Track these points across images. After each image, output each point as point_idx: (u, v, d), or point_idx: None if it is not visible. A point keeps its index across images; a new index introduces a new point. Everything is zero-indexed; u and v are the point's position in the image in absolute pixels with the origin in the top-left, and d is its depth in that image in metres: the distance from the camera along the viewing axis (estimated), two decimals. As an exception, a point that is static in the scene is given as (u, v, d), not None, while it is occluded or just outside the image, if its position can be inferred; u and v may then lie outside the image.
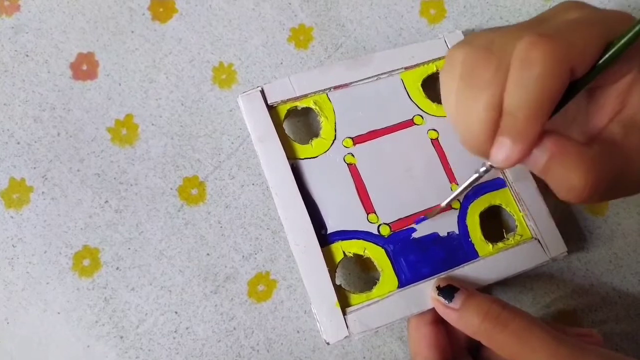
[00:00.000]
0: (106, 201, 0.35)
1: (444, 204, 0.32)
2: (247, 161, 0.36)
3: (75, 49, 0.37)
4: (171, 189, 0.35)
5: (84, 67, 0.37)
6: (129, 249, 0.34)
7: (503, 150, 0.23)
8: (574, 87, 0.23)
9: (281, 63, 0.38)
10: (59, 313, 0.33)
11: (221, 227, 0.35)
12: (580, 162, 0.23)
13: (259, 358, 0.33)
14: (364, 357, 0.33)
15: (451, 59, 0.25)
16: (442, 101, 0.26)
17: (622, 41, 0.22)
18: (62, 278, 0.34)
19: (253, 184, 0.36)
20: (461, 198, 0.34)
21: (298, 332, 0.34)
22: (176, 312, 0.33)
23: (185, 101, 0.37)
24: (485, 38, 0.25)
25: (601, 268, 0.36)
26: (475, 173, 0.28)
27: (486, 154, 0.24)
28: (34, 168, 0.35)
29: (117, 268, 0.34)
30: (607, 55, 0.23)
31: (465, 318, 0.28)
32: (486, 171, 0.27)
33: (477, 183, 0.29)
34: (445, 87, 0.26)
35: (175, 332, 0.33)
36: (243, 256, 0.34)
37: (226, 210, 0.35)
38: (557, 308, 0.35)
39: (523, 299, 0.35)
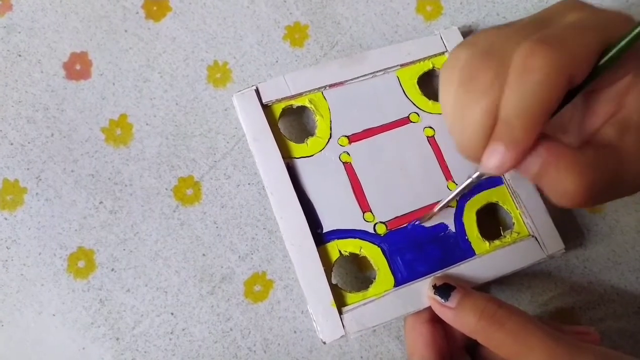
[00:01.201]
0: (101, 202, 0.34)
1: (436, 209, 0.32)
2: (242, 161, 0.36)
3: (69, 48, 0.37)
4: (166, 189, 0.35)
5: (78, 67, 0.36)
6: (124, 250, 0.34)
7: (496, 157, 0.23)
8: (571, 93, 0.23)
9: (276, 61, 0.37)
10: (54, 315, 0.33)
11: (217, 227, 0.34)
12: (574, 167, 0.22)
13: (256, 359, 0.33)
14: (362, 357, 0.33)
15: (452, 61, 0.25)
16: (440, 102, 0.26)
17: (619, 45, 0.22)
18: (57, 280, 0.33)
19: (249, 184, 0.35)
20: (458, 197, 0.33)
21: (295, 332, 0.33)
22: (172, 313, 0.33)
23: (179, 100, 0.36)
24: (487, 40, 0.24)
25: (599, 265, 0.35)
26: (468, 178, 0.28)
27: (479, 160, 0.24)
28: (28, 169, 0.35)
29: (113, 269, 0.33)
30: (604, 60, 0.22)
31: (461, 317, 0.28)
32: (479, 177, 0.27)
33: (469, 189, 0.29)
34: (444, 89, 0.26)
35: (171, 333, 0.33)
36: (239, 256, 0.34)
37: (222, 210, 0.35)
38: (555, 306, 0.35)
39: (521, 297, 0.35)
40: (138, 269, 0.34)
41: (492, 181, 0.34)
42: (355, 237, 0.32)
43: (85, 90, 0.36)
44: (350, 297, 0.31)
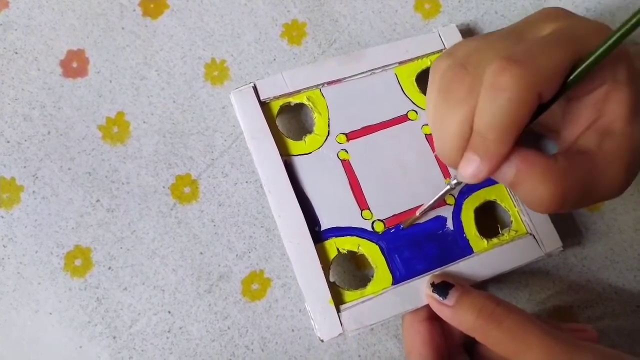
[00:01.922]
0: (97, 200, 0.34)
1: (418, 213, 0.32)
2: (240, 159, 0.35)
3: (65, 46, 0.37)
4: (163, 187, 0.35)
5: (74, 65, 0.36)
6: (121, 248, 0.34)
7: (471, 167, 0.24)
8: (542, 107, 0.24)
9: (274, 59, 0.37)
10: (50, 314, 0.33)
11: (214, 225, 0.34)
12: (547, 175, 0.23)
13: (254, 357, 0.33)
14: (359, 356, 0.33)
15: (434, 70, 0.26)
16: (426, 107, 0.27)
17: (587, 62, 0.22)
18: (54, 278, 0.33)
19: (246, 182, 0.35)
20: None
21: (293, 330, 0.33)
22: (169, 312, 0.33)
23: (177, 98, 0.36)
24: (464, 52, 0.25)
25: (597, 264, 0.35)
26: (447, 185, 0.29)
27: (457, 167, 0.25)
28: (24, 167, 0.34)
29: (110, 268, 0.33)
30: (572, 77, 0.23)
31: (459, 315, 0.28)
32: (457, 184, 0.28)
33: (447, 195, 0.30)
34: (428, 96, 0.27)
35: (168, 332, 0.33)
36: (237, 255, 0.34)
37: (219, 209, 0.35)
38: (553, 304, 0.35)
39: (519, 295, 0.35)
40: (135, 267, 0.33)
41: (490, 179, 0.34)
42: (353, 235, 0.32)
43: (82, 88, 0.36)
44: (348, 295, 0.31)
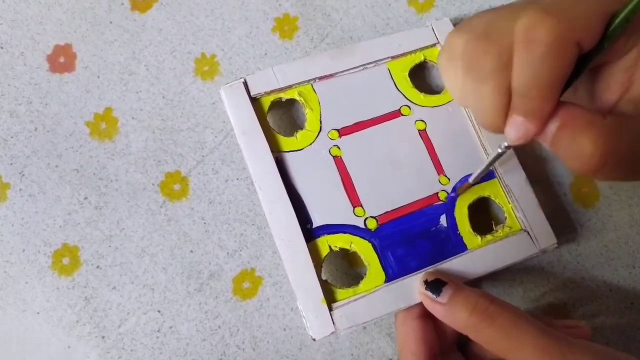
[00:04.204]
0: (85, 197, 0.34)
1: (471, 180, 0.32)
2: (231, 155, 0.35)
3: (52, 40, 0.36)
4: (153, 184, 0.34)
5: (62, 60, 0.36)
6: (110, 246, 0.33)
7: (518, 129, 0.23)
8: (584, 60, 0.22)
9: (265, 54, 0.37)
10: (38, 313, 0.32)
11: (205, 223, 0.34)
12: (592, 128, 0.22)
13: (245, 357, 0.32)
14: (352, 355, 0.33)
15: (450, 48, 0.25)
16: (447, 87, 0.26)
17: (628, 8, 0.21)
18: (41, 277, 0.33)
19: (237, 179, 0.35)
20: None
21: (284, 329, 0.33)
22: (159, 311, 0.32)
23: (166, 94, 0.35)
24: (482, 22, 0.24)
25: (592, 261, 0.35)
26: (498, 149, 0.28)
27: (502, 131, 0.24)
28: (11, 164, 0.34)
29: (98, 266, 0.33)
30: (614, 24, 0.22)
31: (452, 312, 0.28)
32: (507, 147, 0.28)
33: (498, 160, 0.30)
34: (449, 76, 0.26)
35: (158, 331, 0.32)
36: (228, 253, 0.34)
37: (210, 206, 0.34)
38: (548, 301, 0.34)
39: (513, 292, 0.35)
40: (124, 266, 0.33)
41: (485, 175, 0.34)
42: (345, 232, 0.32)
43: (70, 84, 0.35)
44: (341, 293, 0.30)
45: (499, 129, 0.24)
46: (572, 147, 0.23)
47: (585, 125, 0.22)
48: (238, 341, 0.32)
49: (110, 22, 0.36)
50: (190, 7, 0.37)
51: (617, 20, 0.22)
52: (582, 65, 0.23)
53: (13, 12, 0.36)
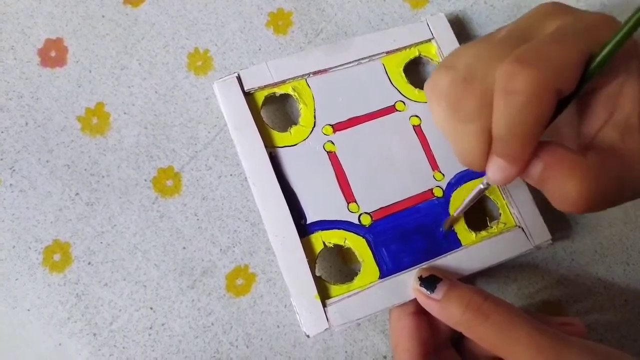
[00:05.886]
0: (77, 193, 0.33)
1: (456, 213, 0.32)
2: (224, 151, 0.35)
3: (43, 34, 0.35)
4: (145, 180, 0.34)
5: (53, 54, 0.35)
6: (102, 243, 0.33)
7: (499, 171, 0.24)
8: (563, 101, 0.23)
9: (259, 49, 0.36)
10: (29, 310, 0.32)
11: (198, 219, 0.34)
12: (575, 170, 0.22)
13: (238, 354, 0.32)
14: (346, 351, 0.33)
15: (435, 85, 0.26)
16: (433, 119, 0.27)
17: (608, 48, 0.22)
18: (32, 274, 0.32)
19: (231, 175, 0.34)
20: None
21: (278, 326, 0.33)
22: (151, 308, 0.32)
23: (159, 89, 0.35)
24: (466, 63, 0.24)
25: (586, 258, 0.35)
26: (480, 185, 0.29)
27: (483, 170, 0.25)
28: (1, 159, 0.33)
29: (89, 263, 0.32)
30: (593, 65, 0.22)
31: (446, 309, 0.28)
32: (488, 185, 0.28)
33: (480, 195, 0.30)
34: (433, 110, 0.26)
35: (150, 328, 0.32)
36: (221, 249, 0.33)
37: (203, 202, 0.34)
38: (542, 298, 0.34)
39: (507, 289, 0.34)
40: (116, 262, 0.33)
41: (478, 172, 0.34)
42: (339, 228, 0.31)
43: (61, 78, 0.35)
44: (335, 289, 0.30)
45: (480, 168, 0.25)
46: (559, 190, 0.23)
47: (569, 168, 0.22)
48: (231, 338, 0.32)
49: (103, 16, 0.36)
50: (183, 1, 0.36)
51: (595, 63, 0.22)
52: (561, 106, 0.23)
53: (3, 5, 0.35)
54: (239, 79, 0.32)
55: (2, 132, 0.34)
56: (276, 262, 0.33)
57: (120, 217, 0.33)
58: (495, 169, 0.24)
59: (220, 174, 0.34)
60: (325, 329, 0.29)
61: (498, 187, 0.34)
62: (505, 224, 0.33)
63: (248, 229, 0.34)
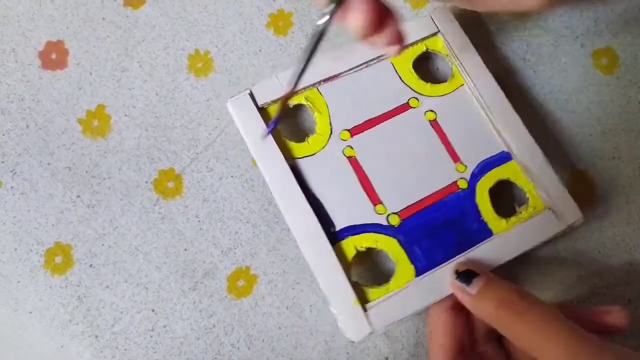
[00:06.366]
0: (78, 196, 0.33)
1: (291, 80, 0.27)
2: (225, 153, 0.35)
3: (44, 37, 0.35)
4: (146, 182, 0.34)
5: (53, 56, 0.35)
6: (103, 245, 0.33)
7: None
8: None
9: (260, 50, 0.36)
10: (30, 312, 0.32)
11: (199, 221, 0.34)
12: None
13: (240, 355, 0.32)
14: (348, 353, 0.33)
15: None
16: None
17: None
18: (34, 276, 0.32)
19: (232, 176, 0.34)
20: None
21: (280, 328, 0.33)
22: (153, 310, 0.32)
23: (159, 91, 0.35)
24: None
25: (589, 259, 0.35)
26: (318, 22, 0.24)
27: None
28: (2, 162, 0.33)
29: (91, 265, 0.32)
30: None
31: (481, 304, 0.28)
32: (325, 24, 0.24)
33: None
34: None
35: (152, 330, 0.32)
36: (222, 251, 0.33)
37: (204, 204, 0.34)
38: (544, 299, 0.34)
39: (510, 290, 0.34)
40: (117, 264, 0.33)
41: (502, 157, 0.34)
42: (369, 232, 0.31)
43: (62, 80, 0.35)
44: (373, 292, 0.30)
45: None
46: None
47: None
48: (233, 340, 0.32)
49: (103, 19, 0.36)
50: (183, 3, 0.37)
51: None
52: None
53: (4, 8, 0.36)
54: (251, 95, 0.32)
55: (3, 135, 0.34)
56: (277, 264, 0.33)
57: (121, 219, 0.33)
58: None
59: (221, 176, 0.34)
60: (370, 333, 0.29)
61: (523, 172, 0.33)
62: (534, 207, 0.33)
63: (249, 230, 0.34)
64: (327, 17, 0.24)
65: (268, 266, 0.33)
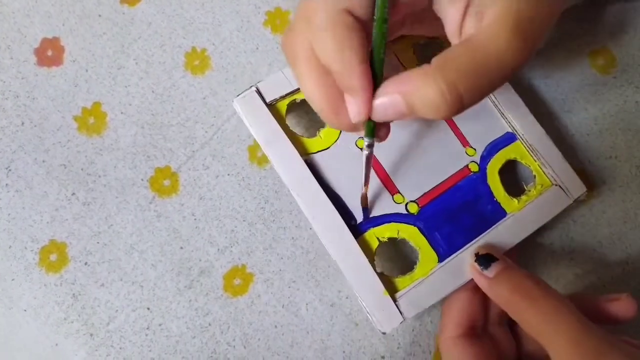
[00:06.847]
0: (73, 193, 0.33)
1: (363, 190, 0.31)
2: (221, 151, 0.34)
3: (40, 33, 0.35)
4: (142, 180, 0.34)
5: (49, 53, 0.35)
6: (98, 243, 0.33)
7: (352, 108, 0.25)
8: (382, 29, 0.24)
9: (257, 48, 0.36)
10: (25, 310, 0.32)
11: (195, 219, 0.33)
12: (427, 77, 0.23)
13: (235, 354, 0.32)
14: (344, 352, 0.32)
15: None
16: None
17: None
18: (29, 274, 0.32)
19: (228, 174, 0.34)
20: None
21: (276, 326, 0.32)
22: (148, 308, 0.32)
23: (156, 88, 0.35)
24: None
25: (585, 257, 0.35)
26: (364, 150, 0.28)
27: (340, 122, 0.26)
28: (-3, 159, 0.33)
29: (86, 263, 0.32)
30: None
31: (496, 287, 0.28)
32: (369, 145, 0.27)
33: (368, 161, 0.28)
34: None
35: (147, 328, 0.32)
36: (218, 249, 0.33)
37: (200, 202, 0.34)
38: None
39: (506, 289, 0.34)
40: (112, 262, 0.32)
41: (507, 139, 0.34)
42: (390, 222, 0.31)
43: (57, 77, 0.35)
44: (400, 282, 0.30)
45: (335, 114, 0.26)
46: (425, 103, 0.23)
47: (421, 78, 0.23)
48: (229, 338, 0.32)
49: (99, 15, 0.36)
50: (180, 0, 0.36)
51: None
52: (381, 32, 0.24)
53: None
54: (258, 91, 0.32)
55: (-2, 132, 0.34)
56: (274, 262, 0.33)
57: (117, 217, 0.33)
58: (350, 109, 0.25)
59: (217, 174, 0.34)
60: (401, 323, 0.29)
61: (528, 151, 0.34)
62: (542, 185, 0.33)
63: (245, 228, 0.33)
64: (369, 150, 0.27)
65: (264, 265, 0.33)
